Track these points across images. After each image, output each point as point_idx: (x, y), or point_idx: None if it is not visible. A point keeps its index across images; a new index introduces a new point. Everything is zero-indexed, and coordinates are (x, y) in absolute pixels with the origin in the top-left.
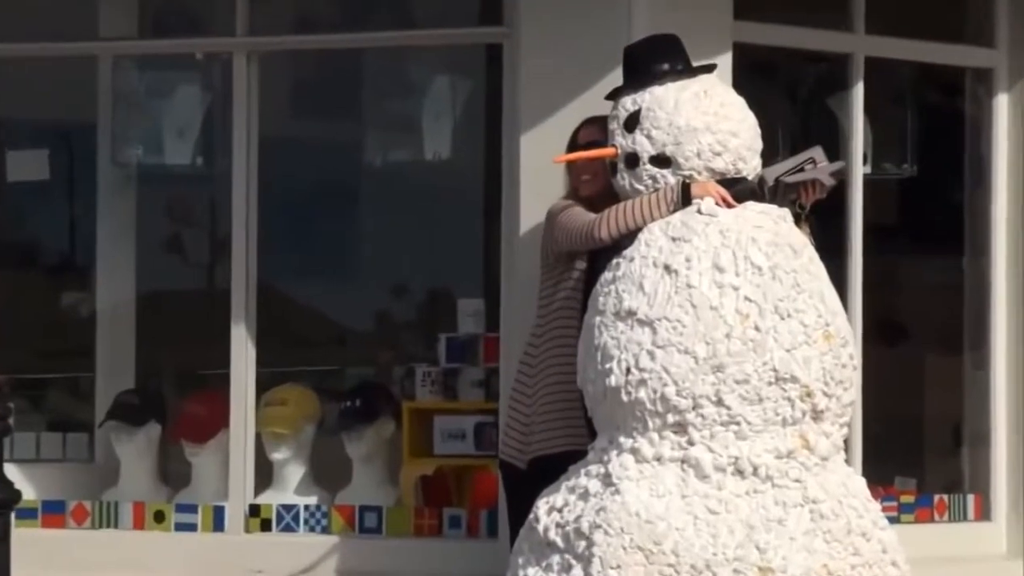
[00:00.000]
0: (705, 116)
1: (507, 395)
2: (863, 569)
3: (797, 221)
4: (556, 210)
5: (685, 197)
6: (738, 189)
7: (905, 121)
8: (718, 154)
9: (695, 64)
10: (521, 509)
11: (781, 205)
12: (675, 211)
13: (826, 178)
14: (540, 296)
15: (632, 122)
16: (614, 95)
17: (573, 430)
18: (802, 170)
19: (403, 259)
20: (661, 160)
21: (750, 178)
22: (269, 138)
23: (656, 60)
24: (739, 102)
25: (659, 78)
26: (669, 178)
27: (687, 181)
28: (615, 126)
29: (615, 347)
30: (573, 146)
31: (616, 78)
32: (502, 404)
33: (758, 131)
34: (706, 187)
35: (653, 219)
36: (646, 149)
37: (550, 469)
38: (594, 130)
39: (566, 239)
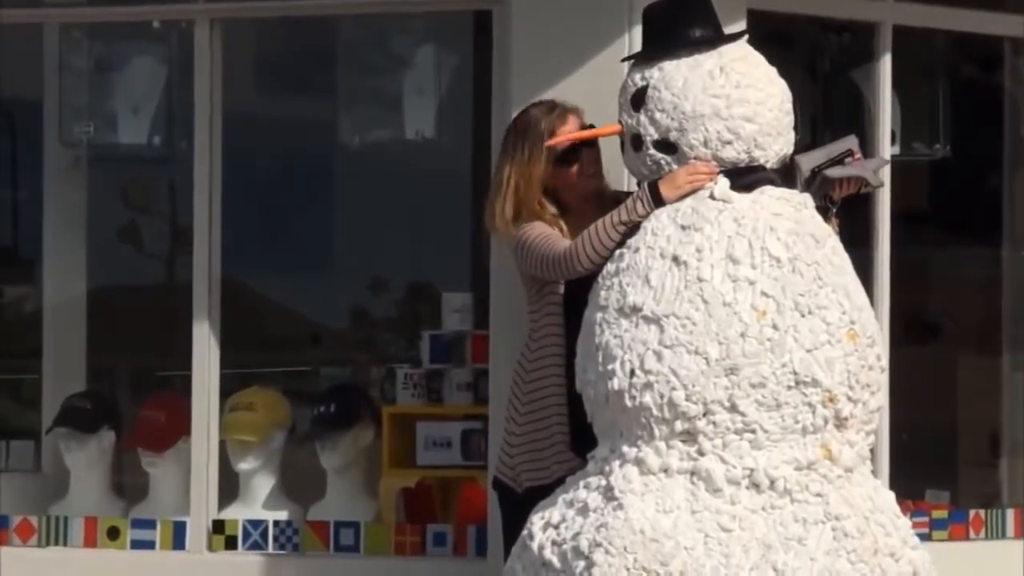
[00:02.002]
0: (715, 100)
1: (500, 403)
2: None
3: (825, 217)
4: (520, 235)
5: (656, 200)
6: (752, 179)
7: (937, 97)
8: (728, 143)
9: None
10: (515, 532)
11: (813, 198)
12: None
13: (873, 177)
14: (528, 311)
15: (638, 100)
16: (633, 60)
17: (561, 456)
18: (841, 163)
19: (382, 249)
20: (665, 145)
21: (770, 165)
22: (234, 115)
23: (675, 26)
24: (762, 79)
25: (676, 47)
26: (674, 166)
27: (655, 180)
28: (623, 100)
29: (618, 347)
30: (538, 144)
31: (617, 49)
32: (492, 410)
33: (785, 110)
34: (674, 180)
35: (620, 231)
36: (649, 133)
37: (549, 493)
38: (572, 124)
39: (541, 270)
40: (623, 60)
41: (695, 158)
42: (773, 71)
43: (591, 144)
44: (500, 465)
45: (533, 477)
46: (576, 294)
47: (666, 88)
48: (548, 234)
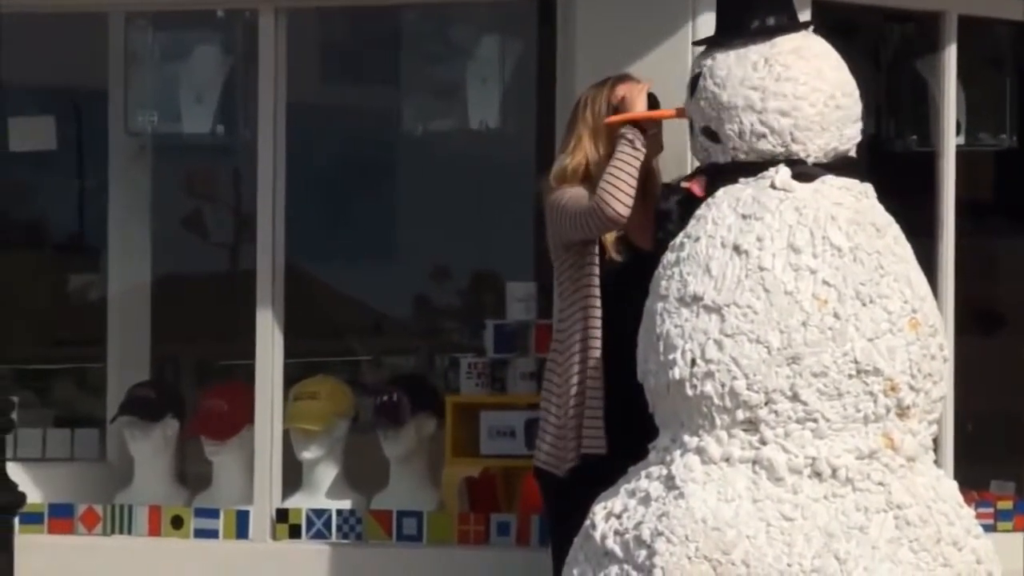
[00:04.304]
0: (751, 92)
1: None
2: None
3: None
4: (555, 198)
5: (637, 126)
6: (810, 171)
7: (1003, 87)
8: (762, 136)
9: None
10: (560, 521)
11: None
12: (642, 143)
13: None
14: (558, 286)
15: (693, 86)
16: (705, 45)
17: (591, 430)
18: None
19: (446, 238)
20: (711, 133)
21: (812, 160)
22: (298, 104)
23: (739, 13)
24: (809, 73)
25: (736, 36)
26: (719, 155)
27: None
28: (688, 85)
29: (679, 336)
30: (604, 108)
31: (682, 37)
32: None
33: (834, 105)
34: (633, 103)
35: (636, 166)
36: (697, 120)
37: (592, 476)
38: (631, 86)
39: (577, 229)
40: (694, 44)
41: (733, 148)
42: (827, 64)
43: (652, 106)
44: (538, 452)
45: (573, 456)
46: (614, 275)
47: (711, 78)
48: (581, 194)
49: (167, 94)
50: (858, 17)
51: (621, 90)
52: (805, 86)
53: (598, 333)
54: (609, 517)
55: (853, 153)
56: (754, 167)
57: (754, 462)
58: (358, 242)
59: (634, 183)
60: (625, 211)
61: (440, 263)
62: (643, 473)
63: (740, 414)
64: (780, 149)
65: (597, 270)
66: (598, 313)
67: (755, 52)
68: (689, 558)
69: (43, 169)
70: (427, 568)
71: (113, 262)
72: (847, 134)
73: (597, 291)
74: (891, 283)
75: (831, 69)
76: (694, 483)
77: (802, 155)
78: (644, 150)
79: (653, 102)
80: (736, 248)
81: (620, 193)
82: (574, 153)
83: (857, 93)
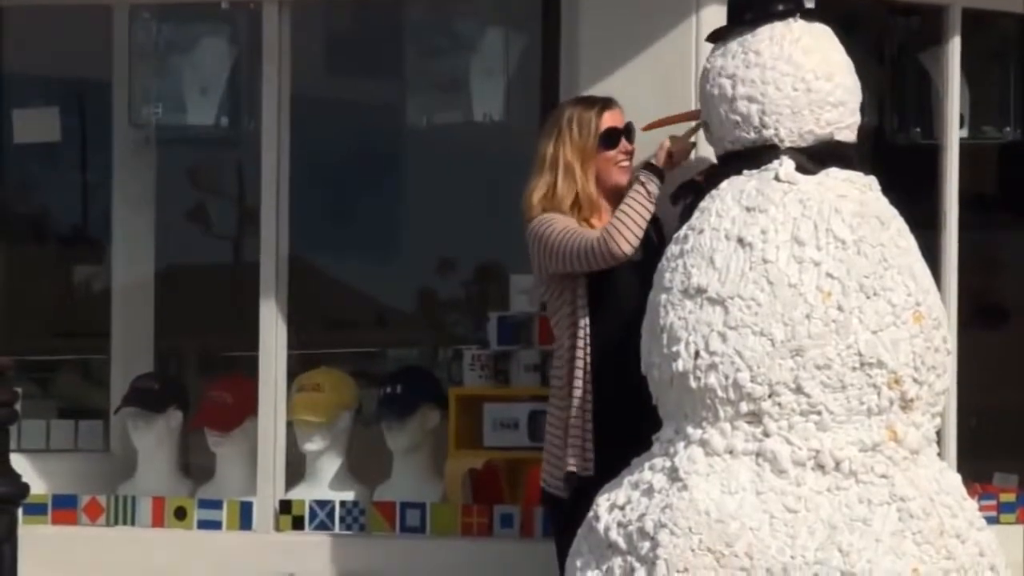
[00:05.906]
0: (725, 81)
1: None
2: (957, 574)
3: None
4: (542, 228)
5: (654, 170)
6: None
7: (1007, 79)
8: (735, 123)
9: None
10: (567, 545)
11: None
12: (657, 188)
13: None
14: (548, 309)
15: None
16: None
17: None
18: None
19: (450, 231)
20: (706, 126)
21: (785, 144)
22: (302, 97)
23: (740, 6)
24: (778, 58)
25: (735, 29)
26: (713, 146)
27: (648, 160)
28: None
29: (683, 328)
30: (592, 133)
31: (685, 31)
32: None
33: (804, 89)
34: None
35: (650, 209)
36: (702, 115)
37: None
38: (618, 114)
39: (571, 262)
40: (706, 40)
41: (718, 138)
42: (799, 48)
43: (630, 138)
44: (544, 473)
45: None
46: (599, 292)
47: (703, 72)
48: (573, 227)
49: (171, 86)
50: (862, 10)
51: (609, 119)
52: (773, 71)
53: (583, 362)
54: (612, 509)
55: (842, 138)
56: (742, 156)
57: (758, 454)
58: (362, 234)
59: (645, 225)
60: (631, 250)
61: (444, 255)
62: (647, 465)
63: (744, 406)
64: (753, 135)
65: (585, 290)
66: (583, 344)
67: (737, 42)
68: (692, 550)
69: (47, 161)
70: (430, 560)
71: (117, 254)
72: (826, 118)
73: (585, 310)
74: (895, 276)
75: (802, 52)
76: (698, 475)
77: (774, 140)
78: (657, 194)
79: (629, 131)
80: (740, 240)
81: (630, 234)
82: (563, 179)
83: (841, 77)
